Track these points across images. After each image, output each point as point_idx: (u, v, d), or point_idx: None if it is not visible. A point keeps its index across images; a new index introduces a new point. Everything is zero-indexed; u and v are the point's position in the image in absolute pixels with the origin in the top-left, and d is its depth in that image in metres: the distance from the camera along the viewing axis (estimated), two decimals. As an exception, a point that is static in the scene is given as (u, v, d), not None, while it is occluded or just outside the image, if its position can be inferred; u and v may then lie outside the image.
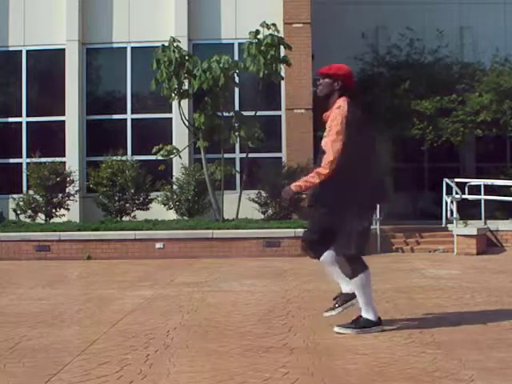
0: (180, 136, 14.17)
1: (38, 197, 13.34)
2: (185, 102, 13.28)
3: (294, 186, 4.91)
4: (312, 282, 7.48)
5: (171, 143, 13.78)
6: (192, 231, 11.67)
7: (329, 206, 4.90)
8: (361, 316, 4.91)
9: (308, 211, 5.36)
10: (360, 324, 4.87)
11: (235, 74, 12.83)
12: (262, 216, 13.16)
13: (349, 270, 4.94)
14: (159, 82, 12.55)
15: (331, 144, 4.74)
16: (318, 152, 4.93)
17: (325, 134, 4.86)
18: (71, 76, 14.66)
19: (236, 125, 12.86)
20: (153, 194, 13.57)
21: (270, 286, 7.66)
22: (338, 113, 4.78)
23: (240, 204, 12.97)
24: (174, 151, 13.07)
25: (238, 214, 12.85)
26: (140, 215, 13.33)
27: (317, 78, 5.10)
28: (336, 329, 4.85)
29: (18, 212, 13.46)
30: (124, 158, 13.67)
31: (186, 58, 12.64)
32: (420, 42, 16.23)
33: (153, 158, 13.35)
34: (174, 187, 13.51)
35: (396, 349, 4.36)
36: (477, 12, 17.15)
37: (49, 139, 14.80)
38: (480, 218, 13.21)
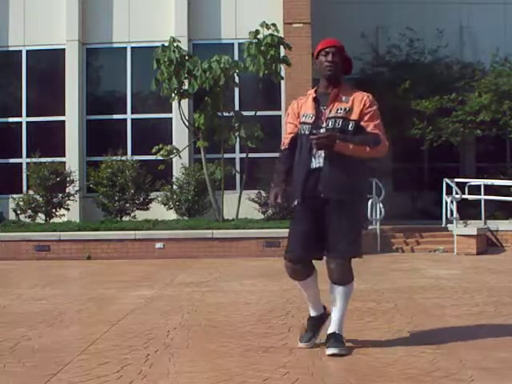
0: (180, 136, 14.17)
1: (37, 197, 13.35)
2: (185, 102, 13.28)
3: (339, 139, 4.15)
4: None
5: (171, 143, 13.79)
6: (192, 231, 11.67)
7: (356, 196, 4.32)
8: (337, 333, 4.30)
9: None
10: (344, 342, 4.31)
11: (235, 74, 12.83)
12: (262, 216, 13.16)
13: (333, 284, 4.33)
14: (159, 82, 12.56)
15: (380, 129, 4.31)
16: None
17: (353, 114, 4.26)
18: (71, 76, 14.67)
19: (236, 125, 12.86)
20: (153, 194, 13.57)
21: (269, 286, 7.66)
22: (372, 100, 4.35)
23: (240, 204, 12.97)
24: (174, 151, 13.08)
25: (237, 213, 12.85)
26: (140, 215, 13.33)
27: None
28: (334, 351, 4.19)
29: (18, 212, 13.47)
30: (124, 158, 13.67)
31: (186, 57, 12.65)
32: (420, 41, 16.23)
33: (153, 157, 13.35)
34: (174, 187, 13.51)
35: (396, 349, 4.36)
36: (477, 12, 17.15)
37: (49, 139, 14.79)
38: (480, 218, 13.22)
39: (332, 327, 4.34)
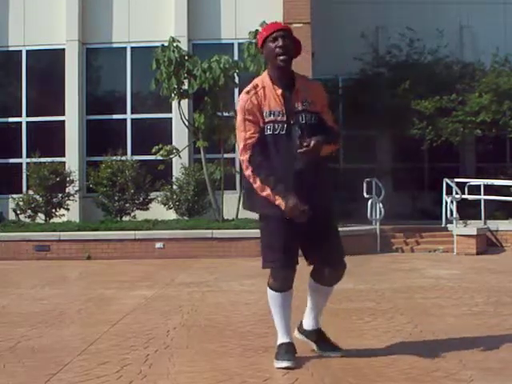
0: (180, 136, 14.17)
1: (37, 197, 13.35)
2: (184, 102, 13.28)
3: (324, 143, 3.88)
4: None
5: (171, 143, 13.79)
6: (192, 231, 11.67)
7: (331, 200, 4.13)
8: (323, 331, 4.30)
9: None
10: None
11: (235, 74, 12.84)
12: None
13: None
14: (159, 82, 12.56)
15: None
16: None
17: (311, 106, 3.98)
18: (71, 76, 14.66)
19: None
20: (153, 194, 13.57)
21: (269, 286, 7.65)
22: (324, 89, 4.18)
23: (240, 204, 12.96)
24: (174, 151, 13.08)
25: (237, 213, 12.84)
26: (140, 215, 13.33)
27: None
28: (338, 355, 4.16)
29: (18, 212, 13.47)
30: (124, 157, 13.67)
31: (186, 57, 12.66)
32: (420, 41, 16.24)
33: (152, 157, 13.35)
34: (174, 187, 13.51)
35: (396, 349, 4.36)
36: (477, 12, 17.15)
37: (49, 139, 14.79)
38: (480, 218, 13.23)
39: (318, 323, 4.27)
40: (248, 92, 4.00)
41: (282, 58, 3.91)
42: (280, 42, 3.91)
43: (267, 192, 3.91)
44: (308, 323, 4.27)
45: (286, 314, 4.09)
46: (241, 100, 4.03)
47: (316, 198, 3.96)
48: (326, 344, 4.22)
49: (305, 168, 3.91)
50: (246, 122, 3.97)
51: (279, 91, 3.96)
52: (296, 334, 4.32)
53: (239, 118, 4.00)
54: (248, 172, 3.97)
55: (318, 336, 4.25)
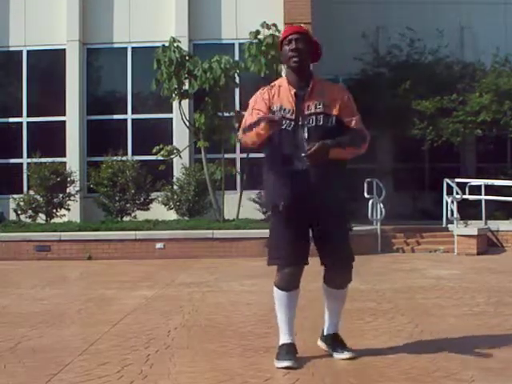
0: (180, 136, 14.17)
1: (38, 197, 13.35)
2: (185, 102, 13.28)
3: (331, 146, 3.83)
4: (313, 282, 7.47)
5: (171, 143, 13.79)
6: (192, 231, 11.67)
7: (343, 197, 4.12)
8: (339, 334, 4.29)
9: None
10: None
11: (236, 75, 12.84)
12: (263, 216, 13.15)
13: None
14: (160, 83, 12.57)
15: (360, 122, 4.05)
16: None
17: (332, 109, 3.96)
18: (72, 76, 14.67)
19: (236, 125, 12.87)
20: (153, 194, 13.57)
21: (270, 286, 7.62)
22: (348, 92, 4.14)
23: (240, 204, 12.96)
24: (175, 151, 13.08)
25: (238, 214, 12.85)
26: (140, 215, 13.33)
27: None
28: (348, 355, 4.12)
29: (19, 212, 13.47)
30: (124, 158, 13.68)
31: (187, 58, 12.66)
32: (420, 41, 16.24)
33: (153, 158, 13.35)
34: (175, 187, 13.52)
35: (396, 349, 4.36)
36: (477, 12, 17.14)
37: (49, 139, 14.80)
38: (480, 219, 13.22)
39: (334, 328, 4.27)
40: (263, 88, 4.13)
41: (293, 60, 3.98)
42: (293, 45, 3.98)
43: (250, 132, 3.91)
44: (326, 327, 4.30)
45: (291, 314, 4.10)
46: (254, 95, 4.13)
47: (323, 198, 3.96)
48: (339, 346, 4.21)
49: (309, 168, 3.88)
50: (253, 111, 4.02)
51: (293, 91, 4.01)
52: (318, 341, 4.36)
53: (248, 108, 4.10)
54: (240, 134, 4.10)
55: (333, 340, 4.24)
